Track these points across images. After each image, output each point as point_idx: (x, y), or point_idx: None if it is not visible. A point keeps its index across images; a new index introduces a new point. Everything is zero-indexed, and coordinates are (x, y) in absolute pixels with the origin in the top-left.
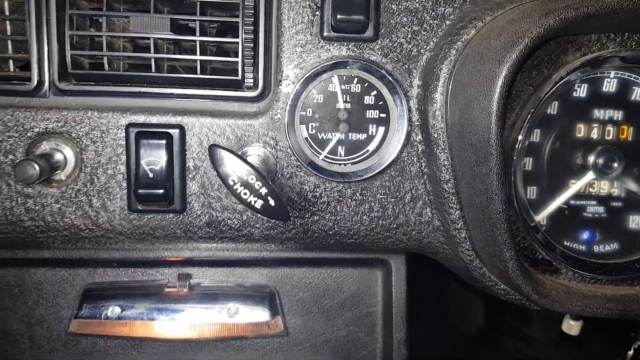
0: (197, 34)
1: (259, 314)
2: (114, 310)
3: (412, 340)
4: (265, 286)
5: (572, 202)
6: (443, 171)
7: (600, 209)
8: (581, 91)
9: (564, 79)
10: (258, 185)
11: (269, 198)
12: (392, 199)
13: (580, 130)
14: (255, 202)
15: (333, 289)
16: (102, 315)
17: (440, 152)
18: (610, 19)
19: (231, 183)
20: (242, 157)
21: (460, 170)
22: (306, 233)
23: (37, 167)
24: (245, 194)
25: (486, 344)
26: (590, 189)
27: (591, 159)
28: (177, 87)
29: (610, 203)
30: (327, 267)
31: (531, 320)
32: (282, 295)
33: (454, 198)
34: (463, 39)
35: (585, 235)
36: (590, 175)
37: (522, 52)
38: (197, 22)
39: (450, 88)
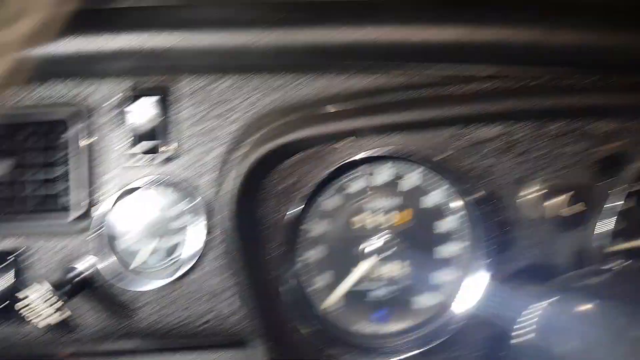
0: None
1: None
2: None
3: None
4: None
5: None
6: None
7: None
8: (356, 185)
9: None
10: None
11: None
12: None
13: (355, 222)
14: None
15: None
16: None
17: None
18: None
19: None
20: None
21: None
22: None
23: None
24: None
25: None
26: (374, 273)
27: (367, 246)
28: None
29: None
30: None
31: None
32: None
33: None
34: None
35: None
36: (371, 260)
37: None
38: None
39: None
